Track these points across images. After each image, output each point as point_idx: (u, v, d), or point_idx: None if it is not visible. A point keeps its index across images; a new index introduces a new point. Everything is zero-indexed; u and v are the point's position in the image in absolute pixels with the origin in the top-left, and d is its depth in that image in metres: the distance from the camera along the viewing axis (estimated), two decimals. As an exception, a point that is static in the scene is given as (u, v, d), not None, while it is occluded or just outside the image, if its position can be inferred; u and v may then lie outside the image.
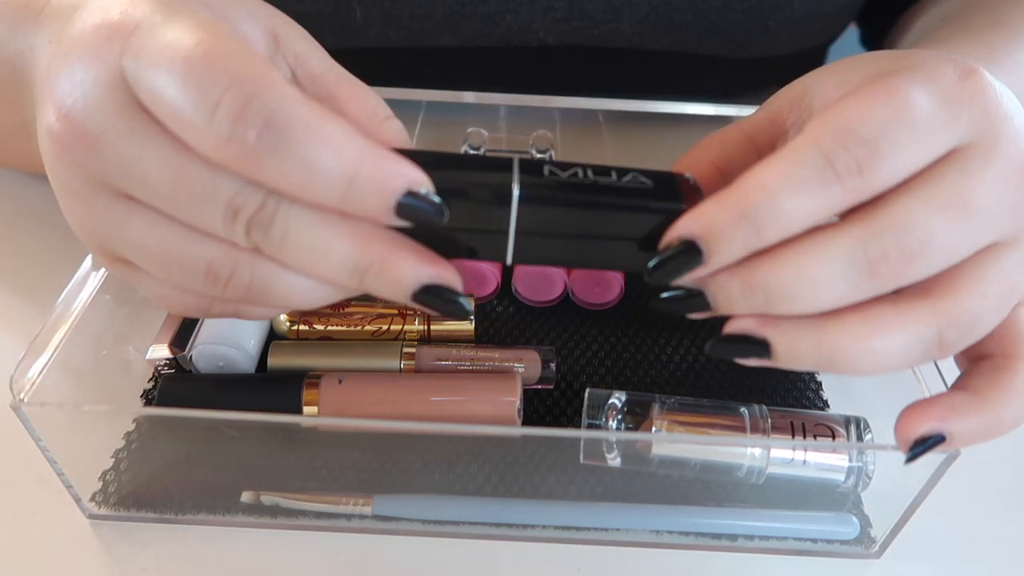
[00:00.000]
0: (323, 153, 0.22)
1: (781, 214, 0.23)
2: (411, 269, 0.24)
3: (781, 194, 0.23)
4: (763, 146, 0.29)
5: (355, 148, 0.22)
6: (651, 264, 0.25)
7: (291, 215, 0.23)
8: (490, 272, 0.40)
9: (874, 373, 0.25)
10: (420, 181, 0.23)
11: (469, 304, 0.26)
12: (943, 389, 0.30)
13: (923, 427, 0.26)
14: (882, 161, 0.23)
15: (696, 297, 0.25)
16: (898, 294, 0.24)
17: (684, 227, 0.24)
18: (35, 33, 0.30)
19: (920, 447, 0.26)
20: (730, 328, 0.25)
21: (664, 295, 0.25)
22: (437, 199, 0.24)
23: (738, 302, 0.24)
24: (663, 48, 0.44)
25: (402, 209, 0.23)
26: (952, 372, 0.30)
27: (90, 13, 0.25)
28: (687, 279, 0.25)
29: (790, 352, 0.25)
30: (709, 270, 0.24)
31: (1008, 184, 0.24)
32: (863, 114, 0.23)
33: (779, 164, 0.23)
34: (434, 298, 0.25)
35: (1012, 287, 0.25)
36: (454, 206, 0.24)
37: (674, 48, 0.37)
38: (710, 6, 0.46)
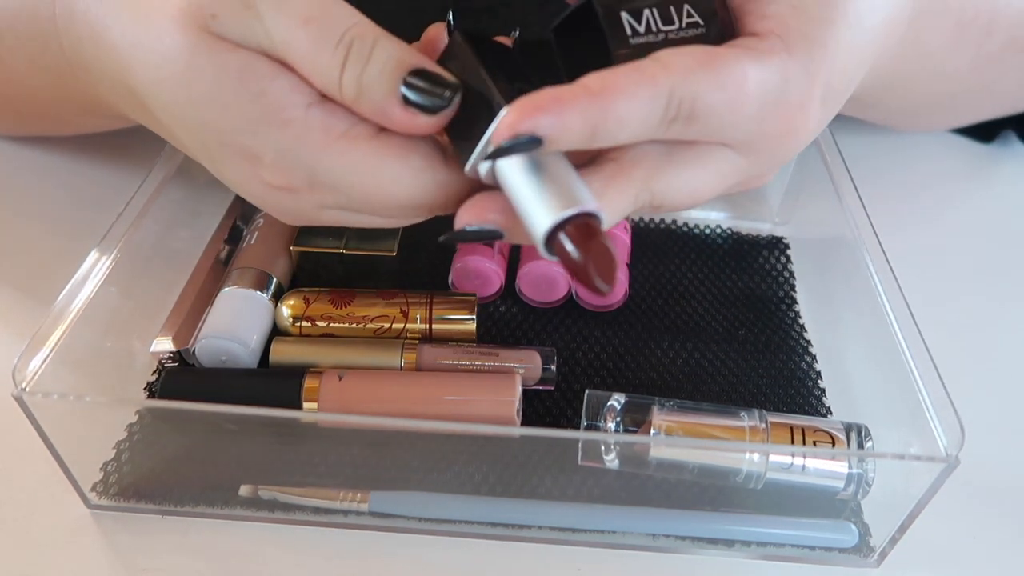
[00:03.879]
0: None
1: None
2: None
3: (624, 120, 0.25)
4: None
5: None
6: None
7: None
8: (494, 272, 0.40)
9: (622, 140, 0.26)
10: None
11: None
12: (944, 396, 0.30)
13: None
14: (703, 128, 0.26)
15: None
16: None
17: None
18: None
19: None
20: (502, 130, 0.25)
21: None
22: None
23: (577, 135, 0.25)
24: None
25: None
26: (953, 376, 0.30)
27: None
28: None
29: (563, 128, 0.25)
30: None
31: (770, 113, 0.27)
32: (713, 95, 0.25)
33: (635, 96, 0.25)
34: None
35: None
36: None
37: None
38: None
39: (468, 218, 0.27)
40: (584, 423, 0.33)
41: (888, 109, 0.44)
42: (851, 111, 0.44)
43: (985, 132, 0.53)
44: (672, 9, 0.27)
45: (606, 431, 0.33)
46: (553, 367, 0.36)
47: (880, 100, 0.42)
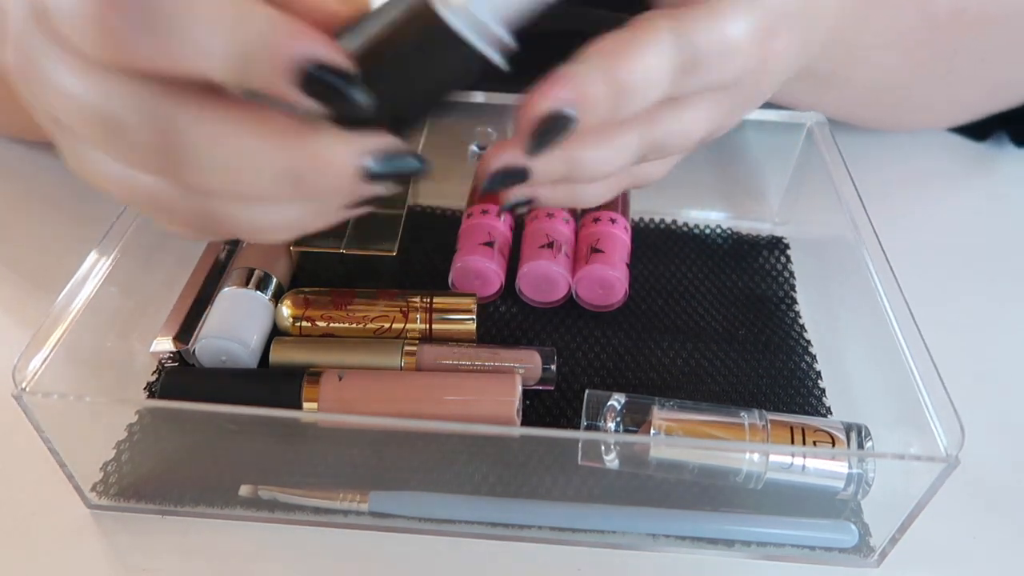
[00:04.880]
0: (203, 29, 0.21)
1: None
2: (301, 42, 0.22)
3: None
4: None
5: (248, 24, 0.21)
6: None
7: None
8: (494, 272, 0.40)
9: (641, 106, 0.27)
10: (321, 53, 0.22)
11: (361, 96, 0.22)
12: (944, 396, 0.30)
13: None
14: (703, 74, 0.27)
15: (567, 120, 0.26)
16: None
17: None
18: None
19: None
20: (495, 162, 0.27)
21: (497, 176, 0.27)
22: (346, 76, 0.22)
23: (602, 106, 0.26)
24: None
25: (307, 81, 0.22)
26: (953, 376, 0.30)
27: None
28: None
29: (593, 106, 0.26)
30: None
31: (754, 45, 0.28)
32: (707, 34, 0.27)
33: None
34: (320, 81, 0.22)
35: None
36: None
37: None
38: None
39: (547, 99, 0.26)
40: (584, 423, 0.33)
41: (854, 86, 0.44)
42: (826, 102, 0.45)
43: (979, 131, 0.54)
44: None
45: (606, 431, 0.33)
46: (553, 367, 0.36)
47: (841, 69, 0.42)
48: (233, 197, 0.25)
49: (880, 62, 0.43)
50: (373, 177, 0.24)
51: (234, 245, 0.41)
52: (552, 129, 0.26)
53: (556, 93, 0.26)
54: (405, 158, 0.24)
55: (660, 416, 0.32)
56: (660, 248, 0.44)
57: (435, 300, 0.37)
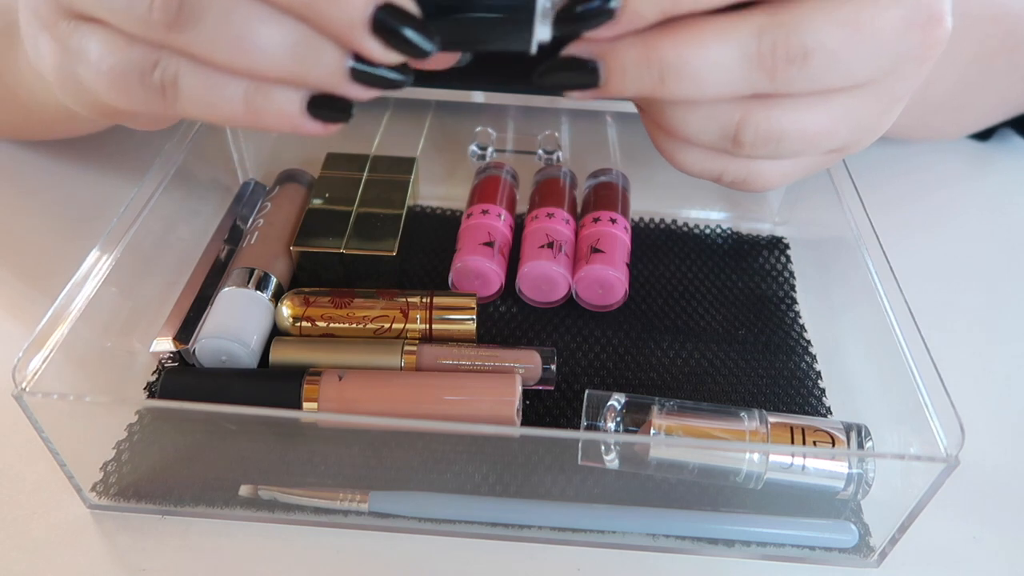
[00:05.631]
0: None
1: None
2: None
3: None
4: None
5: None
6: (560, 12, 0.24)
7: None
8: (494, 272, 0.40)
9: (698, 93, 0.24)
10: None
11: (428, 43, 0.23)
12: (944, 396, 0.30)
13: None
14: None
15: (588, 70, 0.24)
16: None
17: None
18: None
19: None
20: (566, 52, 0.25)
21: (552, 65, 0.25)
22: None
23: (631, 75, 0.24)
24: None
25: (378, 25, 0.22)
26: (953, 376, 0.30)
27: None
28: (593, 35, 0.24)
29: (620, 73, 0.24)
30: (620, 28, 0.24)
31: (908, 29, 0.24)
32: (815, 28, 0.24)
33: None
34: (392, 25, 0.23)
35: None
36: None
37: None
38: None
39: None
40: (584, 423, 0.33)
41: (926, 94, 0.43)
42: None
43: (982, 131, 0.53)
44: None
45: (606, 431, 0.33)
46: (553, 367, 0.36)
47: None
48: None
49: (952, 62, 0.40)
50: (380, 29, 0.23)
51: (234, 245, 0.41)
52: (576, 66, 0.25)
53: (585, 46, 0.24)
54: (419, 29, 0.23)
55: (660, 417, 0.32)
56: (660, 248, 0.44)
57: (435, 300, 0.37)
